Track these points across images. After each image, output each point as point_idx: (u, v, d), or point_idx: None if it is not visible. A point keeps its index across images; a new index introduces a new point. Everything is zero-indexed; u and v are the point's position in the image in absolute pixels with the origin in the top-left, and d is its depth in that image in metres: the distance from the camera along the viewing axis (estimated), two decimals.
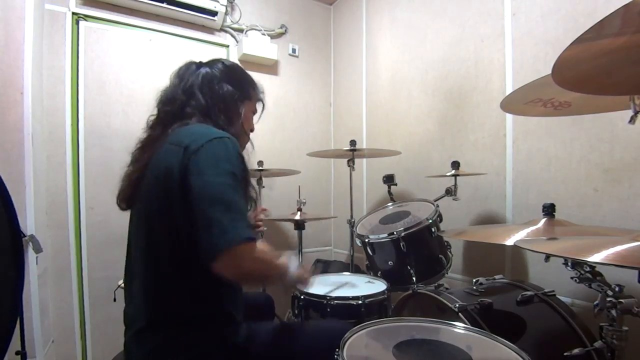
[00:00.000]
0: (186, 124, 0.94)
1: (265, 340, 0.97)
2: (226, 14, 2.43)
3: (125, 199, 1.00)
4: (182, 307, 0.87)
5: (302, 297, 1.38)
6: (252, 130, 1.16)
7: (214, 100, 0.99)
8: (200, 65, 1.05)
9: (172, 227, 0.84)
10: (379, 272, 1.54)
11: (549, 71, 0.66)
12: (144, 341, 0.87)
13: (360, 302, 1.31)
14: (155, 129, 1.00)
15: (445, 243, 1.54)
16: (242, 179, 0.86)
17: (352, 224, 1.99)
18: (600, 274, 0.81)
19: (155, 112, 1.04)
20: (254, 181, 2.20)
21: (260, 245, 0.83)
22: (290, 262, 0.95)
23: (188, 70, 1.03)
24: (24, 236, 1.37)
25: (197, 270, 0.86)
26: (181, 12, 2.23)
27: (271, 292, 1.43)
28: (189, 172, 0.81)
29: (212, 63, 1.06)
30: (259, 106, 1.16)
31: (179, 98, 0.98)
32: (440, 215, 1.48)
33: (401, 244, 1.40)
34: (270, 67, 2.65)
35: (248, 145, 1.12)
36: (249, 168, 0.94)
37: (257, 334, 0.96)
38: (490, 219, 1.72)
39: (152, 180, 0.88)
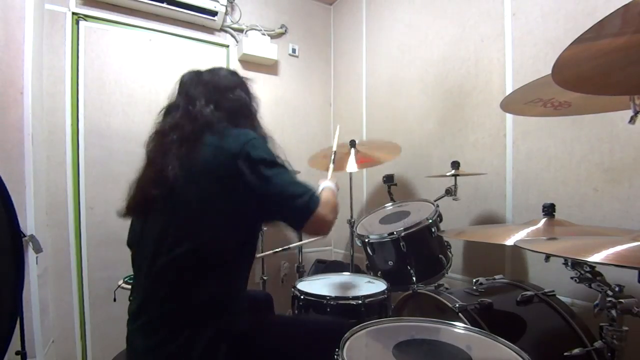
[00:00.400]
0: (216, 130, 0.98)
1: (270, 330, 1.02)
2: (226, 14, 2.43)
3: (142, 207, 0.99)
4: (192, 301, 0.89)
5: (302, 297, 1.38)
6: None
7: (236, 106, 1.06)
8: (222, 70, 1.12)
9: (212, 223, 0.91)
10: (379, 272, 1.54)
11: (549, 71, 0.66)
12: (151, 334, 0.89)
13: (360, 302, 1.31)
14: (177, 135, 0.99)
15: (445, 243, 1.53)
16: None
17: (352, 224, 1.99)
18: (600, 274, 0.81)
19: (169, 119, 1.04)
20: None
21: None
22: (328, 186, 1.17)
23: (214, 79, 1.08)
24: (24, 236, 1.37)
25: (213, 265, 0.91)
26: (181, 12, 2.23)
27: (271, 290, 1.43)
28: (248, 170, 0.91)
29: (219, 70, 1.12)
30: None
31: (206, 105, 1.02)
32: (440, 215, 1.48)
33: (401, 244, 1.40)
34: (270, 67, 2.65)
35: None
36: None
37: (261, 325, 1.00)
38: (490, 219, 1.72)
39: (194, 182, 0.91)
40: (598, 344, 0.81)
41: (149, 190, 0.95)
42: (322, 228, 0.99)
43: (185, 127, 0.99)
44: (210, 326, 0.89)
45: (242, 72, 2.72)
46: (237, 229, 0.95)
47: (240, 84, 1.13)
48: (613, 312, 0.76)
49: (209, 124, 0.98)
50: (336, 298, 1.33)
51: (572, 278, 0.85)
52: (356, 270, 2.04)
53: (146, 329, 0.90)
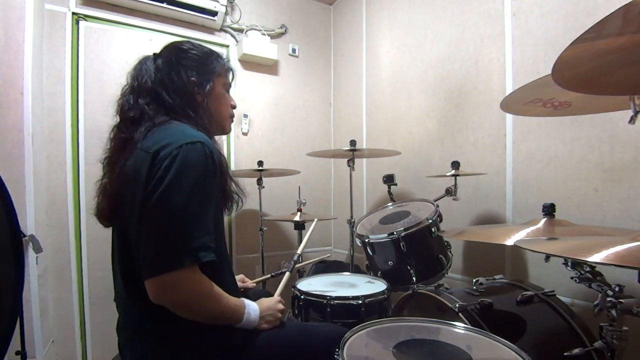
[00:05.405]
0: (154, 125, 0.87)
1: (263, 342, 0.92)
2: (226, 14, 2.43)
3: (105, 215, 0.93)
4: (167, 314, 0.81)
5: (302, 297, 1.38)
6: (234, 107, 1.09)
7: (175, 93, 0.92)
8: (154, 57, 0.98)
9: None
10: (379, 272, 1.54)
11: (549, 71, 0.66)
12: (136, 349, 0.88)
13: (360, 302, 1.31)
14: (119, 139, 0.94)
15: (445, 243, 1.54)
16: (211, 187, 0.82)
17: (352, 224, 1.99)
18: (600, 274, 0.81)
19: (116, 120, 0.98)
20: (253, 181, 2.20)
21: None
22: (248, 309, 0.89)
23: (142, 68, 0.96)
24: (24, 236, 1.37)
25: None
26: (181, 12, 2.23)
27: (271, 290, 1.43)
28: (155, 182, 0.76)
29: (165, 51, 0.98)
30: (229, 77, 1.09)
31: (138, 100, 0.92)
32: (440, 215, 1.48)
33: (401, 244, 1.40)
34: (270, 67, 2.65)
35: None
36: (225, 163, 0.93)
37: (254, 336, 0.92)
38: (490, 219, 1.72)
39: (124, 190, 0.84)
40: (598, 344, 0.81)
41: (104, 201, 0.92)
42: (162, 298, 0.75)
43: (119, 136, 0.92)
44: (194, 340, 0.84)
45: (242, 73, 2.72)
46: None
47: (184, 61, 0.95)
48: (613, 312, 0.76)
49: (144, 125, 0.88)
50: (336, 298, 1.33)
51: (572, 278, 0.85)
52: (356, 270, 2.04)
53: (130, 344, 0.89)
